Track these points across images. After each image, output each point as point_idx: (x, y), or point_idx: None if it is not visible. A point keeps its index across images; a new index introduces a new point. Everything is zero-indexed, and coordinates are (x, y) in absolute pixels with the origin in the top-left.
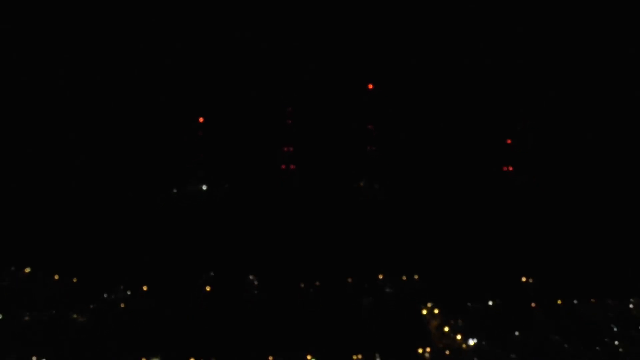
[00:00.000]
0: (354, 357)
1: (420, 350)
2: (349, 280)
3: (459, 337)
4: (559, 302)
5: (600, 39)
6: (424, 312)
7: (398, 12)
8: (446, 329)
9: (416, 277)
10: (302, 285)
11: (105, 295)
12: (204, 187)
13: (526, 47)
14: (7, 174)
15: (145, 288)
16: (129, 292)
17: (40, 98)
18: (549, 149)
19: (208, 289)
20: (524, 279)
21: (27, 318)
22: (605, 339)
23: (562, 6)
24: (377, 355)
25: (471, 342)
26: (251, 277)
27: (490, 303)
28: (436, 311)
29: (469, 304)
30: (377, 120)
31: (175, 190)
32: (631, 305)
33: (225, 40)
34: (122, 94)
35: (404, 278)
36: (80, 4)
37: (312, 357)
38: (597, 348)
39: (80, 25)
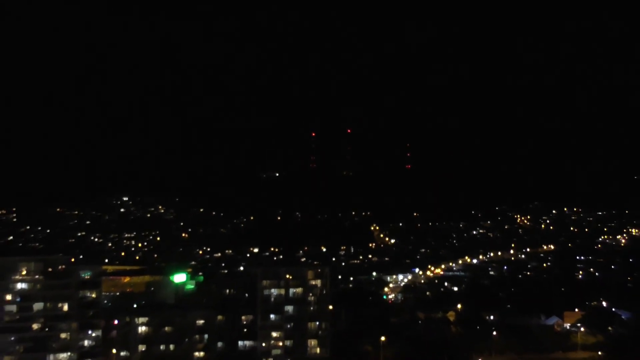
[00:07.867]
0: (342, 248)
1: (370, 245)
2: (339, 214)
3: (387, 239)
4: (430, 224)
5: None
6: (372, 228)
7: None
8: (382, 235)
9: (369, 213)
10: (319, 216)
11: (234, 221)
12: (277, 174)
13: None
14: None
15: (252, 217)
16: (244, 219)
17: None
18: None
19: (279, 218)
20: (415, 214)
21: (184, 235)
22: (450, 240)
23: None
24: (351, 247)
25: (392, 241)
26: (297, 214)
27: (401, 224)
28: (377, 228)
29: (391, 224)
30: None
31: (264, 175)
32: (461, 225)
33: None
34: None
35: (364, 214)
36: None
37: (323, 245)
38: (446, 244)
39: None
